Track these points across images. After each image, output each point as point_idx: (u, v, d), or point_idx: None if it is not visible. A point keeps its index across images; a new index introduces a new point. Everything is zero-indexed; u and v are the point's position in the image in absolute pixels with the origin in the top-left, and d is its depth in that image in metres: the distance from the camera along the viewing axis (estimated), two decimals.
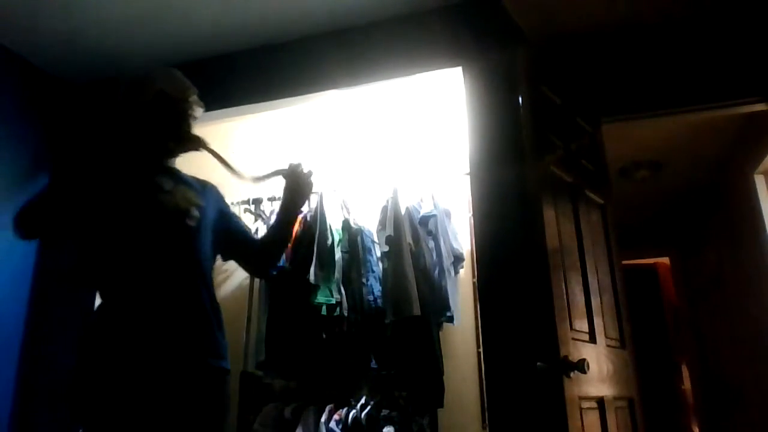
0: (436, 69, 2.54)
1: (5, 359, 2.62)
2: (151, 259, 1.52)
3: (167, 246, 1.54)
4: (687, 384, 5.35)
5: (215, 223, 1.68)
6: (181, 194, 1.60)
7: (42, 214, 1.47)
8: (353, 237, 2.93)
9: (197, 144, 1.64)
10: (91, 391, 1.42)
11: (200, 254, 1.59)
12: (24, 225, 1.47)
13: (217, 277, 3.14)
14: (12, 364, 2.63)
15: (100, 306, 1.56)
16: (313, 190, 1.81)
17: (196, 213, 1.59)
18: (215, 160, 1.66)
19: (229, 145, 2.90)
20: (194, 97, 1.68)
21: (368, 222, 3.03)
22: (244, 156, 2.65)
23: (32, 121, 2.91)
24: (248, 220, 2.96)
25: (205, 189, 1.72)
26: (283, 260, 2.79)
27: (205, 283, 1.58)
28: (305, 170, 1.72)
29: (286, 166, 1.73)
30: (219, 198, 1.76)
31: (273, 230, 1.84)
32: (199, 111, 1.70)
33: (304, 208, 2.86)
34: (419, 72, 2.57)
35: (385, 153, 3.27)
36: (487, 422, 2.72)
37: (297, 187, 1.71)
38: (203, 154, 1.66)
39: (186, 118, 1.66)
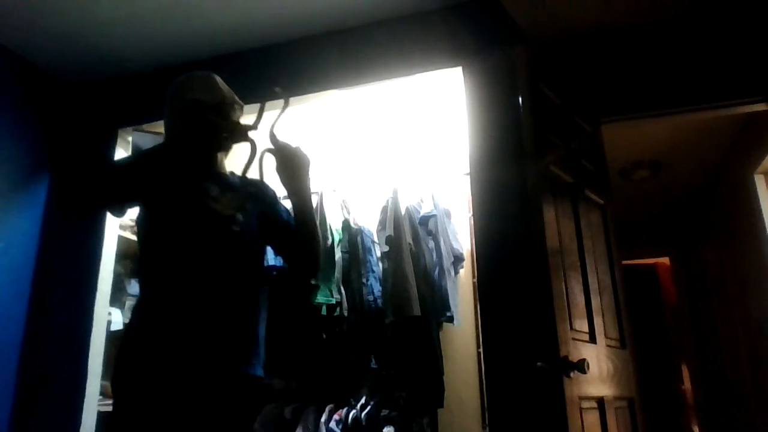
0: (436, 69, 2.54)
1: (5, 359, 2.61)
2: (194, 263, 1.51)
3: (211, 251, 1.53)
4: (687, 384, 5.35)
5: (261, 224, 1.66)
6: (227, 200, 1.59)
7: (94, 191, 1.51)
8: (353, 237, 2.93)
9: (244, 135, 1.61)
10: (129, 384, 1.44)
11: (245, 260, 1.57)
12: (78, 199, 1.57)
13: None
14: (12, 364, 2.63)
15: (140, 304, 1.57)
16: (309, 163, 1.68)
17: (240, 218, 1.58)
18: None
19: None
20: (231, 98, 1.69)
21: (368, 222, 3.03)
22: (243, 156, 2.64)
23: (32, 121, 2.91)
24: None
25: (252, 190, 1.68)
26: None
27: (247, 289, 1.56)
28: (292, 146, 1.65)
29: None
30: (263, 196, 1.70)
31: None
32: (239, 110, 1.71)
33: None
34: (419, 72, 2.57)
35: (385, 153, 3.27)
36: (487, 422, 2.72)
37: (287, 162, 1.63)
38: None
39: (225, 118, 1.65)
